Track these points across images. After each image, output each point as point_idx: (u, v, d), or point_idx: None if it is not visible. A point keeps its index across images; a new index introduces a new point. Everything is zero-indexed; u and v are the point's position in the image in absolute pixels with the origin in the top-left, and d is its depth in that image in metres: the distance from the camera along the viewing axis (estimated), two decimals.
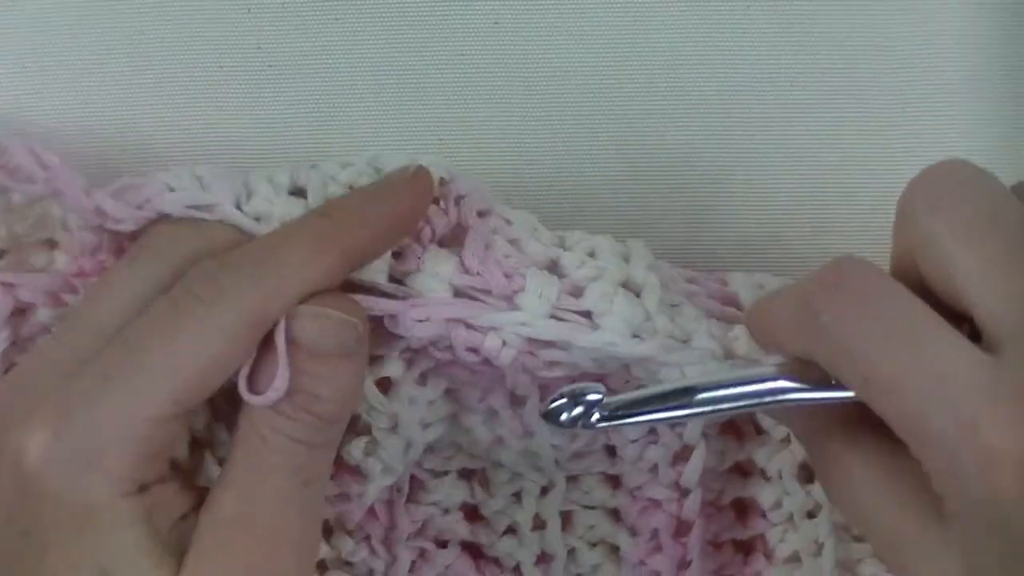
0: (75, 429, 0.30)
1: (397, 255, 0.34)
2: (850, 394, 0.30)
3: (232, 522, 0.31)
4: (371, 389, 0.35)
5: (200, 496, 0.32)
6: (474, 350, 0.34)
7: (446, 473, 0.39)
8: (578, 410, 0.32)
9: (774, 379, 0.31)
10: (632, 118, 0.41)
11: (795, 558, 0.39)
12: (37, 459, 0.30)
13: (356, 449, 0.35)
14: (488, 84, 0.40)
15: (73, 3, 0.40)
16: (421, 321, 0.33)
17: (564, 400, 0.32)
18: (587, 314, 0.34)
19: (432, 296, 0.34)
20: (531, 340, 0.34)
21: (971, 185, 0.30)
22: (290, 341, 0.31)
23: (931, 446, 0.28)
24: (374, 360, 0.35)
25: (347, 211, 0.33)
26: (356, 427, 0.36)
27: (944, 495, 0.28)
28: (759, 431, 0.38)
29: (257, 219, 0.34)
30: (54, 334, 0.34)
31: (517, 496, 0.39)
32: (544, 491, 0.39)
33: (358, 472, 0.36)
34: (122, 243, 0.35)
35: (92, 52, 0.40)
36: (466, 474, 0.39)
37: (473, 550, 0.40)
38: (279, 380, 0.31)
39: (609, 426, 0.32)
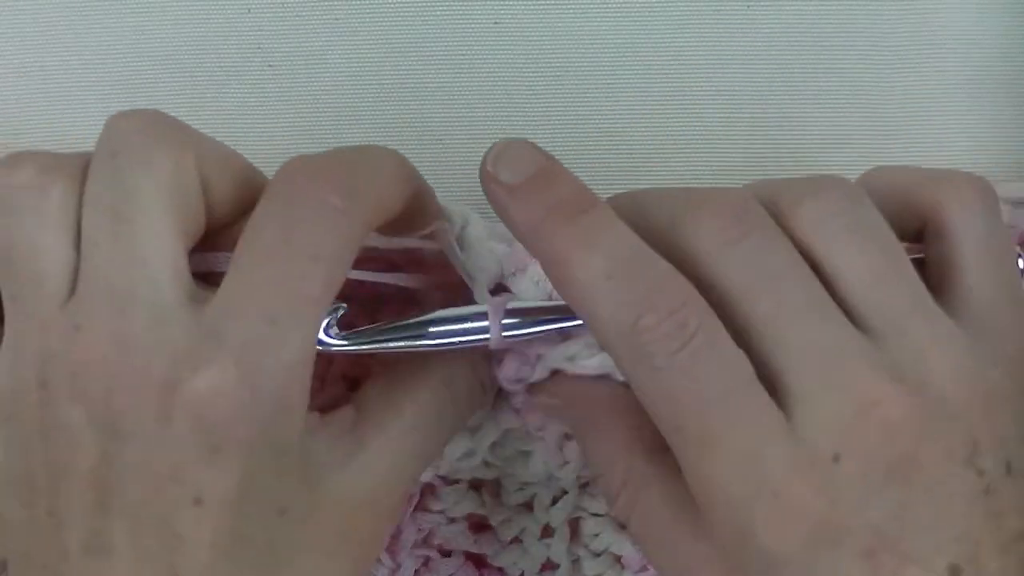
0: (267, 383, 0.29)
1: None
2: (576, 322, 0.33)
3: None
4: None
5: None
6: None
7: (457, 481, 0.39)
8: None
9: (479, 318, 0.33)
10: (632, 118, 0.41)
11: None
12: (234, 426, 0.28)
13: None
14: (488, 84, 0.41)
15: (73, 3, 0.40)
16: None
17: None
18: None
19: None
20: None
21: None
22: None
23: (725, 505, 0.29)
24: None
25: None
26: None
27: (724, 546, 0.30)
28: None
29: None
30: None
31: (527, 505, 0.39)
32: (555, 500, 0.39)
33: None
34: None
35: (92, 52, 0.40)
36: (476, 484, 0.39)
37: (476, 559, 0.40)
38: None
39: (344, 348, 0.32)
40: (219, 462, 0.29)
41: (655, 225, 0.31)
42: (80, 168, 0.30)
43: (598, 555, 0.39)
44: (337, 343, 0.32)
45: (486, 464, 0.38)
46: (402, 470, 0.32)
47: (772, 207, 0.31)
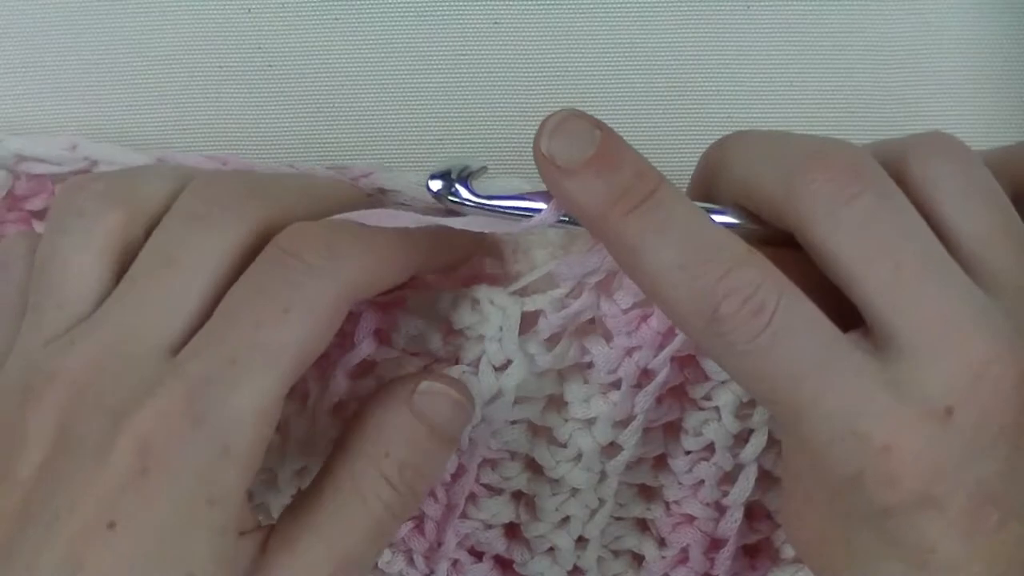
0: (212, 417, 0.28)
1: None
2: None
3: (318, 569, 0.31)
4: (514, 317, 0.34)
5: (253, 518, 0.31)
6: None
7: (501, 492, 0.39)
8: (447, 184, 0.32)
9: None
10: (632, 118, 0.41)
11: (799, 559, 0.39)
12: (167, 450, 0.28)
13: (454, 373, 0.35)
14: (488, 84, 0.41)
15: (73, 3, 0.40)
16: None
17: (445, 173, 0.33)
18: None
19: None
20: None
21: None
22: (417, 415, 0.32)
23: (827, 465, 0.29)
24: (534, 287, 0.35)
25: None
26: (456, 358, 0.36)
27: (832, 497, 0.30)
28: (773, 439, 0.38)
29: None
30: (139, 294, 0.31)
31: (562, 521, 0.39)
32: (592, 513, 0.39)
33: None
34: None
35: (92, 52, 0.40)
36: (517, 496, 0.39)
37: (503, 562, 0.40)
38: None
39: (463, 203, 0.32)
40: (142, 487, 0.28)
41: (766, 180, 0.31)
42: (153, 205, 0.31)
43: (618, 555, 0.39)
44: (470, 199, 0.32)
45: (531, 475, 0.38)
46: None
47: (893, 163, 0.31)
